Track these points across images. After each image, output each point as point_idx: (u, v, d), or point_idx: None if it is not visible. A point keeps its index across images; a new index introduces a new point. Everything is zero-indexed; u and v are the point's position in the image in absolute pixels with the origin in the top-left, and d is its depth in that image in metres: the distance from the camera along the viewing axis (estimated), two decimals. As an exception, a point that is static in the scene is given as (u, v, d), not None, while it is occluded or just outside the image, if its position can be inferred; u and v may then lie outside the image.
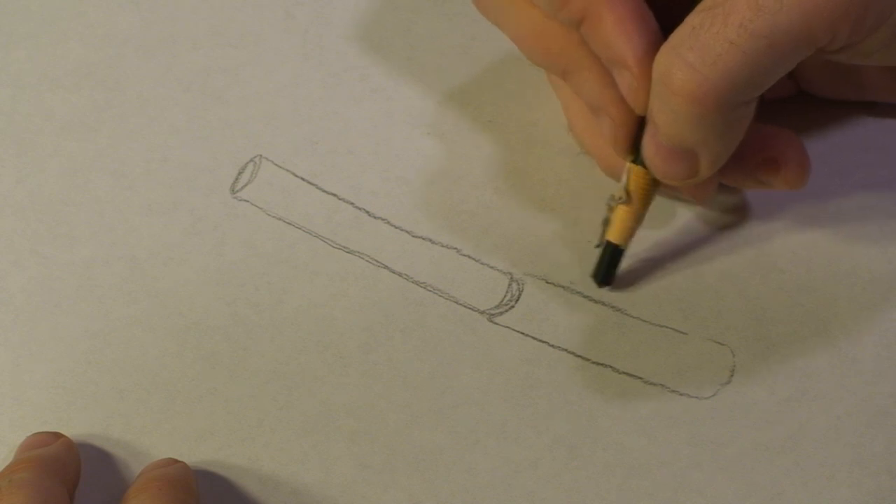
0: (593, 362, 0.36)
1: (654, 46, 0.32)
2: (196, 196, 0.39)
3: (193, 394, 0.36)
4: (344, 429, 0.36)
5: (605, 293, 0.37)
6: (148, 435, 0.35)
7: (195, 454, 0.35)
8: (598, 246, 0.37)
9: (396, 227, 0.38)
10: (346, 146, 0.40)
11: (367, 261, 0.38)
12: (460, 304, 0.37)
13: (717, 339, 0.37)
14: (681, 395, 0.36)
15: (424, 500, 0.35)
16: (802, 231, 0.38)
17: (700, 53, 0.30)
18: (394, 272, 0.38)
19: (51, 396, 0.36)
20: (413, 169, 0.39)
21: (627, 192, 0.35)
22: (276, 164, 0.39)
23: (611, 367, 0.36)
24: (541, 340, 0.37)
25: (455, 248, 0.38)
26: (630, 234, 0.36)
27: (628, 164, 0.35)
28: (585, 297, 0.37)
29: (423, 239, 0.38)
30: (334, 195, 0.39)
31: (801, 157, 0.35)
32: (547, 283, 0.38)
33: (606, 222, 0.36)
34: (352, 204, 0.39)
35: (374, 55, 0.41)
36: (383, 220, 0.39)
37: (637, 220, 0.36)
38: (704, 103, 0.31)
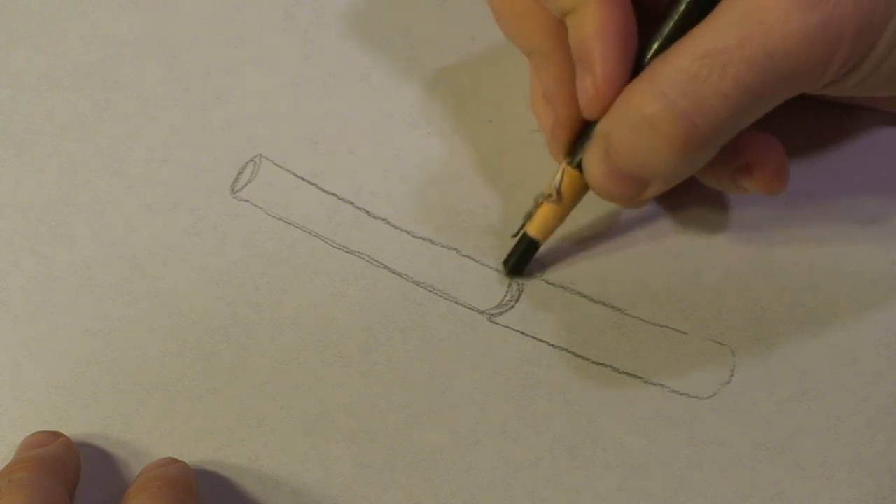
0: (593, 362, 0.36)
1: (626, 60, 0.32)
2: (196, 196, 0.39)
3: (193, 394, 0.36)
4: (344, 429, 0.36)
5: (606, 293, 0.37)
6: (148, 435, 0.36)
7: (195, 454, 0.35)
8: (514, 236, 0.37)
9: (396, 227, 0.38)
10: (346, 146, 0.40)
11: (367, 261, 0.38)
12: (460, 304, 0.37)
13: (717, 339, 0.37)
14: (681, 395, 0.36)
15: (424, 500, 0.35)
16: (803, 231, 0.38)
17: (694, 102, 0.30)
18: (394, 272, 0.38)
19: (51, 396, 0.36)
20: (413, 169, 0.39)
21: (559, 193, 0.35)
22: (276, 164, 0.39)
23: (611, 367, 0.36)
24: (541, 340, 0.37)
25: (455, 249, 0.38)
26: (551, 231, 0.36)
27: (564, 166, 0.35)
28: (585, 297, 0.37)
29: (423, 239, 0.38)
30: (334, 195, 0.39)
31: (778, 163, 0.35)
32: (547, 283, 0.38)
33: (529, 215, 0.36)
34: (352, 204, 0.39)
35: (374, 55, 0.41)
36: (383, 220, 0.39)
37: (561, 219, 0.36)
38: (688, 148, 0.31)
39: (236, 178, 0.39)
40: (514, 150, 0.40)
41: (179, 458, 0.35)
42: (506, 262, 0.37)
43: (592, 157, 0.33)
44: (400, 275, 0.38)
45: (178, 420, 0.36)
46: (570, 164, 0.35)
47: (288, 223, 0.38)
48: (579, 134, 0.35)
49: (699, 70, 0.30)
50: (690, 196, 0.39)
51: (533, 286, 0.37)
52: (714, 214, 0.38)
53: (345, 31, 0.42)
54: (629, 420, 0.36)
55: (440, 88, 0.41)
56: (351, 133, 0.40)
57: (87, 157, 0.40)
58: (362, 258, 0.38)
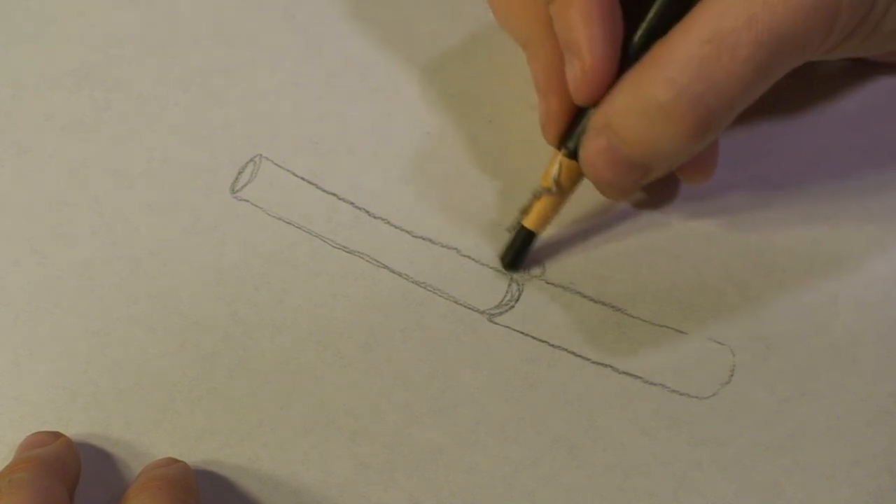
0: (593, 362, 0.36)
1: (613, 44, 0.33)
2: (196, 196, 0.39)
3: (193, 394, 0.36)
4: (344, 429, 0.36)
5: (605, 293, 0.37)
6: (148, 435, 0.35)
7: (195, 454, 0.35)
8: (510, 229, 0.37)
9: (396, 227, 0.38)
10: (346, 146, 0.40)
11: (367, 261, 0.38)
12: (460, 304, 0.37)
13: (717, 339, 0.37)
14: (681, 395, 0.36)
15: (424, 500, 0.35)
16: (802, 231, 0.38)
17: (709, 87, 0.31)
18: (394, 272, 0.38)
19: (51, 396, 0.36)
20: (413, 169, 0.39)
21: (558, 184, 0.35)
22: (276, 164, 0.39)
23: (611, 367, 0.36)
24: (541, 340, 0.37)
25: (455, 249, 0.38)
26: (547, 223, 0.37)
27: (560, 158, 0.35)
28: (585, 297, 0.37)
29: (423, 239, 0.38)
30: (334, 195, 0.39)
31: (701, 156, 0.35)
32: (547, 283, 0.38)
33: (525, 209, 0.36)
34: (352, 204, 0.39)
35: (374, 55, 0.41)
36: (383, 220, 0.39)
37: (557, 210, 0.36)
38: (703, 131, 0.32)
39: (236, 178, 0.39)
40: (514, 150, 0.40)
41: (179, 458, 0.35)
42: (503, 257, 0.37)
43: (593, 147, 0.33)
44: (400, 275, 0.38)
45: (178, 420, 0.36)
46: (565, 154, 0.35)
47: (288, 223, 0.38)
48: (572, 123, 0.35)
49: (709, 53, 0.30)
50: (690, 196, 0.39)
51: (533, 286, 0.37)
52: (714, 214, 0.38)
53: (345, 31, 0.42)
54: (629, 420, 0.36)
55: (440, 88, 0.41)
56: (351, 133, 0.40)
57: (87, 157, 0.40)
58: (362, 258, 0.38)
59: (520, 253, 0.37)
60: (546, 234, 0.38)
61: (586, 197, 0.39)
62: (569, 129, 0.35)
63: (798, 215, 0.38)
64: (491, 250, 0.38)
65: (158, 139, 0.40)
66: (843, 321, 0.37)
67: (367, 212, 0.39)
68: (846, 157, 0.39)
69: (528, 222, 0.37)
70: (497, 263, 0.38)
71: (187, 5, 0.42)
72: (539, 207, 0.36)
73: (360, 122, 0.40)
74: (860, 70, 0.40)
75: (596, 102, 0.33)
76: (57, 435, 0.35)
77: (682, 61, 0.31)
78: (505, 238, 0.38)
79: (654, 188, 0.39)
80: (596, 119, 0.33)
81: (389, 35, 0.42)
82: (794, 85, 0.40)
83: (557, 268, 0.38)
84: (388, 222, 0.39)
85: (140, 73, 0.41)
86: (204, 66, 0.41)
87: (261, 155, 0.40)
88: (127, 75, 0.41)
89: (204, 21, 0.42)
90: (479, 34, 0.41)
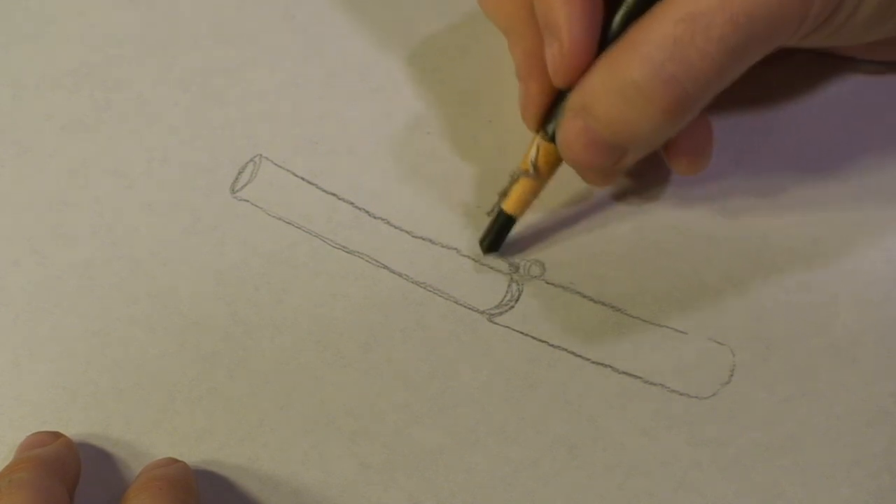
0: (593, 362, 0.36)
1: (593, 26, 0.33)
2: (196, 196, 0.39)
3: (193, 394, 0.36)
4: (344, 429, 0.36)
5: (605, 293, 0.37)
6: (148, 435, 0.36)
7: (195, 454, 0.35)
8: (489, 213, 0.37)
9: (396, 227, 0.38)
10: (346, 146, 0.40)
11: (367, 261, 0.38)
12: (460, 304, 0.37)
13: (717, 339, 0.37)
14: (681, 395, 0.36)
15: (424, 500, 0.35)
16: (802, 231, 0.38)
17: (683, 66, 0.31)
18: (394, 272, 0.38)
19: (51, 396, 0.36)
20: (413, 169, 0.39)
21: (536, 167, 0.36)
22: (276, 164, 0.39)
23: (611, 367, 0.36)
24: (541, 340, 0.37)
25: (455, 249, 0.38)
26: (527, 206, 0.37)
27: (538, 141, 0.35)
28: (585, 297, 0.37)
29: (423, 239, 0.38)
30: (334, 195, 0.39)
31: (695, 145, 0.36)
32: (547, 283, 0.38)
33: (504, 192, 0.37)
34: (352, 204, 0.39)
35: (374, 55, 0.41)
36: (383, 220, 0.39)
37: (536, 194, 0.37)
38: (676, 110, 0.32)
39: (236, 178, 0.39)
40: (513, 150, 0.40)
41: (179, 458, 0.35)
42: (482, 240, 0.38)
43: (570, 128, 0.33)
44: (400, 275, 0.38)
45: (178, 420, 0.36)
46: (543, 137, 0.35)
47: (288, 223, 0.38)
48: (551, 107, 0.35)
49: (683, 33, 0.31)
50: (690, 196, 0.39)
51: (533, 286, 0.38)
52: (714, 214, 0.38)
53: (345, 31, 0.42)
54: (629, 420, 0.36)
55: (440, 88, 0.41)
56: (351, 133, 0.40)
57: (87, 157, 0.40)
58: (362, 258, 0.38)
59: (498, 236, 0.37)
60: (546, 234, 0.38)
61: (587, 197, 0.39)
62: (548, 114, 0.35)
63: (798, 215, 0.38)
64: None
65: (158, 139, 0.40)
66: (843, 321, 0.37)
67: (367, 212, 0.39)
68: (846, 157, 0.39)
69: (507, 206, 0.37)
70: (496, 264, 0.38)
71: (187, 5, 0.42)
72: (518, 191, 0.36)
73: (360, 122, 0.40)
74: (862, 70, 0.40)
75: (574, 85, 0.33)
76: (57, 435, 0.35)
77: (656, 41, 0.31)
78: (506, 239, 0.38)
79: (655, 188, 0.39)
80: (573, 100, 0.33)
81: (389, 35, 0.42)
82: (795, 85, 0.40)
83: (557, 268, 0.38)
84: (388, 222, 0.39)
85: (140, 73, 0.41)
86: (204, 66, 0.41)
87: (261, 155, 0.40)
88: (127, 75, 0.41)
89: (204, 21, 0.42)
90: (480, 34, 0.41)
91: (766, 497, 0.35)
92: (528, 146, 0.36)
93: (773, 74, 0.40)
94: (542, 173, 0.36)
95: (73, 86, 0.41)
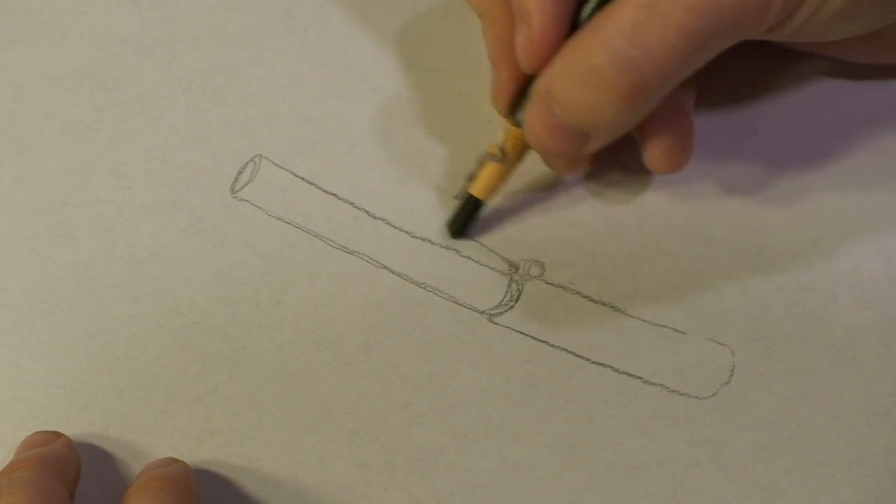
0: (593, 362, 0.36)
1: (563, 13, 0.33)
2: (196, 196, 0.39)
3: (193, 394, 0.36)
4: (344, 429, 0.36)
5: (605, 293, 0.37)
6: (148, 435, 0.35)
7: (195, 454, 0.35)
8: (457, 197, 0.38)
9: (396, 228, 0.38)
10: (346, 146, 0.40)
11: (366, 261, 0.38)
12: (460, 304, 0.37)
13: (717, 339, 0.37)
14: (681, 395, 0.36)
15: (424, 500, 0.35)
16: (802, 231, 0.38)
17: (641, 51, 0.31)
18: (394, 272, 0.38)
19: (51, 396, 0.36)
20: (413, 169, 0.39)
21: (503, 152, 0.36)
22: (276, 164, 0.39)
23: (611, 367, 0.36)
24: (541, 340, 0.37)
25: (455, 249, 0.38)
26: (494, 191, 0.37)
27: (507, 126, 0.36)
28: (585, 297, 0.37)
29: (423, 239, 0.38)
30: (334, 195, 0.39)
31: (672, 141, 0.36)
32: (547, 283, 0.38)
33: (472, 176, 0.37)
34: (352, 204, 0.39)
35: (374, 55, 0.41)
36: (383, 220, 0.39)
37: (504, 179, 0.37)
38: (635, 96, 0.32)
39: (236, 178, 0.39)
40: (514, 150, 0.40)
41: (179, 458, 0.35)
42: (449, 224, 0.38)
43: (534, 112, 0.34)
44: (400, 275, 0.38)
45: (178, 420, 0.36)
46: (512, 122, 0.35)
47: (288, 223, 0.38)
48: (521, 93, 0.35)
49: (643, 17, 0.31)
50: (690, 196, 0.39)
51: (533, 286, 0.37)
52: (713, 214, 0.38)
53: (345, 31, 0.42)
54: (629, 420, 0.36)
55: (440, 88, 0.41)
56: (351, 133, 0.40)
57: (87, 157, 0.40)
58: (362, 258, 0.38)
59: (466, 221, 0.38)
60: (546, 235, 0.38)
61: (586, 197, 0.39)
62: (519, 99, 0.35)
63: (797, 215, 0.38)
64: (491, 251, 0.38)
65: (158, 139, 0.40)
66: (842, 321, 0.37)
67: (367, 212, 0.39)
68: (846, 157, 0.39)
69: (475, 189, 0.37)
70: (496, 264, 0.38)
71: (187, 5, 0.42)
72: (485, 175, 0.37)
73: (360, 122, 0.40)
74: (858, 72, 0.40)
75: (542, 71, 0.34)
76: (57, 435, 0.35)
77: (617, 25, 0.31)
78: (506, 239, 0.38)
79: (655, 188, 0.39)
80: (539, 85, 0.34)
81: (389, 35, 0.42)
82: (795, 86, 0.40)
83: (557, 268, 0.38)
84: (388, 222, 0.38)
85: (140, 73, 0.41)
86: (204, 66, 0.41)
87: (261, 155, 0.40)
88: (127, 75, 0.41)
89: (204, 21, 0.42)
90: (480, 34, 0.41)
91: (766, 497, 0.35)
92: (498, 132, 0.36)
93: (773, 75, 0.40)
94: (509, 158, 0.36)
95: (73, 86, 0.41)
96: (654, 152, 0.36)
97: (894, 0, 0.32)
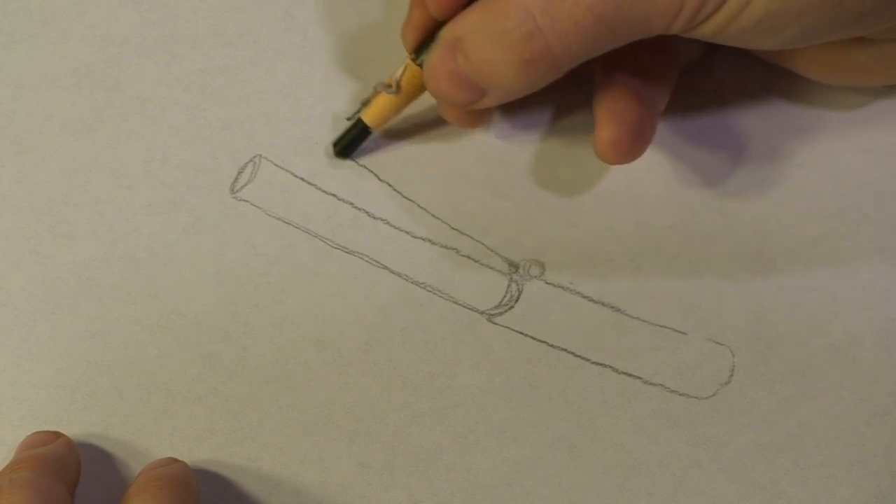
0: (593, 362, 0.36)
1: None
2: (196, 196, 0.39)
3: (193, 394, 0.36)
4: (344, 429, 0.36)
5: (605, 293, 0.37)
6: (148, 435, 0.36)
7: (195, 454, 0.35)
8: (349, 119, 0.39)
9: (396, 228, 0.38)
10: (346, 146, 0.40)
11: (366, 261, 0.38)
12: (460, 305, 0.37)
13: (717, 339, 0.37)
14: (681, 395, 0.36)
15: (424, 500, 0.35)
16: (802, 231, 0.38)
17: (550, 23, 0.32)
18: (394, 272, 0.38)
19: (51, 396, 0.36)
20: (413, 169, 0.39)
21: (398, 85, 0.37)
22: (275, 165, 0.39)
23: (611, 367, 0.36)
24: (541, 340, 0.37)
25: (455, 249, 0.38)
26: (384, 121, 0.38)
27: (407, 62, 0.37)
28: (585, 297, 0.37)
29: (423, 239, 0.38)
30: (334, 195, 0.39)
31: (616, 132, 0.35)
32: (547, 283, 0.38)
33: (366, 102, 0.38)
34: (352, 204, 0.39)
35: (374, 55, 0.41)
36: (383, 220, 0.39)
37: (395, 112, 0.38)
38: (535, 65, 0.33)
39: (236, 178, 0.39)
40: (513, 150, 0.40)
41: (179, 458, 0.35)
42: (336, 144, 0.39)
43: (438, 57, 0.35)
44: (400, 275, 0.38)
45: (178, 420, 0.36)
46: (414, 60, 0.36)
47: (288, 223, 0.38)
48: (429, 36, 0.36)
49: None
50: (689, 196, 0.39)
51: (533, 286, 0.38)
52: (714, 213, 0.39)
53: (345, 31, 0.42)
54: (629, 420, 0.36)
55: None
56: (351, 133, 0.40)
57: (87, 157, 0.40)
58: (362, 258, 0.38)
59: (352, 143, 0.39)
60: (546, 235, 0.38)
61: (587, 198, 0.39)
62: (427, 42, 0.36)
63: (798, 215, 0.38)
64: (491, 251, 0.38)
65: (158, 139, 0.40)
66: (842, 321, 0.37)
67: (367, 212, 0.39)
68: (846, 157, 0.39)
69: (366, 116, 0.38)
70: (496, 264, 0.38)
71: (187, 5, 0.42)
72: (378, 104, 0.38)
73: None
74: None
75: (448, 17, 0.35)
76: (57, 435, 0.35)
77: None
78: (506, 240, 0.38)
79: (654, 188, 0.39)
80: (447, 31, 0.34)
81: (389, 35, 0.42)
82: (795, 87, 0.40)
83: (557, 268, 0.38)
84: (388, 222, 0.39)
85: (140, 73, 0.41)
86: (204, 66, 0.41)
87: (260, 155, 0.40)
88: (127, 75, 0.41)
89: (204, 21, 0.42)
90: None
91: (766, 497, 0.35)
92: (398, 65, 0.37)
93: (774, 75, 0.40)
94: (403, 92, 0.37)
95: (73, 86, 0.41)
96: (599, 139, 0.36)
97: (821, 20, 0.32)
